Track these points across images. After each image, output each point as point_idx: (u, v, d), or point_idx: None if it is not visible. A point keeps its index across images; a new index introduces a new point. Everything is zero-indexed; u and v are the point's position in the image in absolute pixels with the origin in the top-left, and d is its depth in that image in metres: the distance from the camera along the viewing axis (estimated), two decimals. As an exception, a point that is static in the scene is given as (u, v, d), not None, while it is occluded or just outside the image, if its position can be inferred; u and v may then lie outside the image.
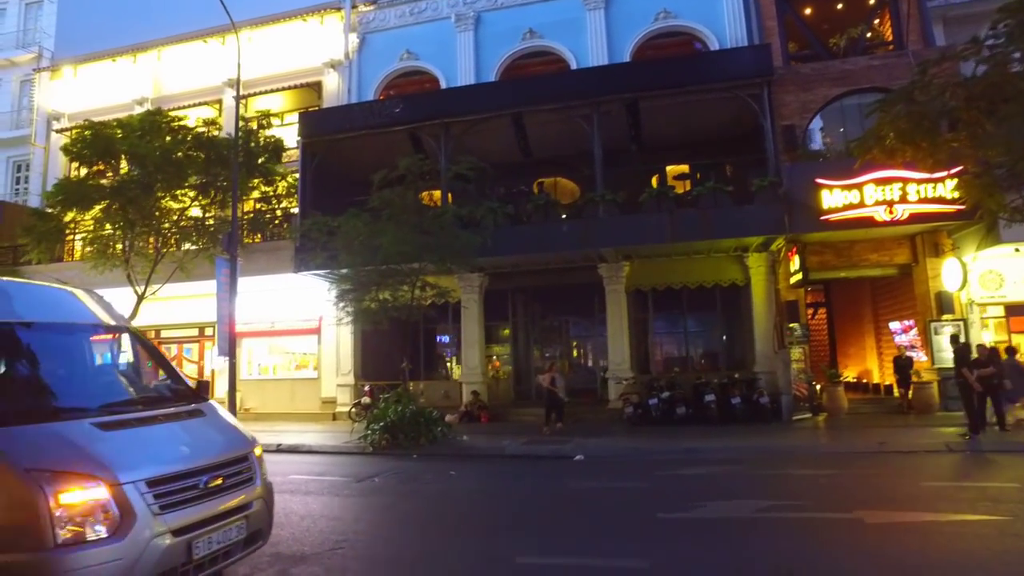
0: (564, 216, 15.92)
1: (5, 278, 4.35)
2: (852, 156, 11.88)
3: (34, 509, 3.00)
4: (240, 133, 15.58)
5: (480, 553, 5.53)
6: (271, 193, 18.10)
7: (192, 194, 16.53)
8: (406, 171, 13.33)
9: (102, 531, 3.16)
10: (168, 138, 15.85)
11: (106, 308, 4.83)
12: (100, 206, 16.33)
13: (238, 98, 15.34)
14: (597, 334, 18.22)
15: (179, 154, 15.61)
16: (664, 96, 15.12)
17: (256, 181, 17.57)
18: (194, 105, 22.22)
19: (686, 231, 14.41)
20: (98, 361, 4.59)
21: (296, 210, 17.77)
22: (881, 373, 18.21)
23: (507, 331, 19.13)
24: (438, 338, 19.77)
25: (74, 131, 17.09)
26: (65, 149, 17.09)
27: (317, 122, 17.58)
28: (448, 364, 19.58)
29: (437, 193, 16.13)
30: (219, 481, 3.82)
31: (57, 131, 24.45)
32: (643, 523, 6.35)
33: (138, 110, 21.69)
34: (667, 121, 15.88)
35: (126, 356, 4.85)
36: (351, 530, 6.39)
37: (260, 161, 16.65)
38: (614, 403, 15.90)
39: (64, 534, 3.03)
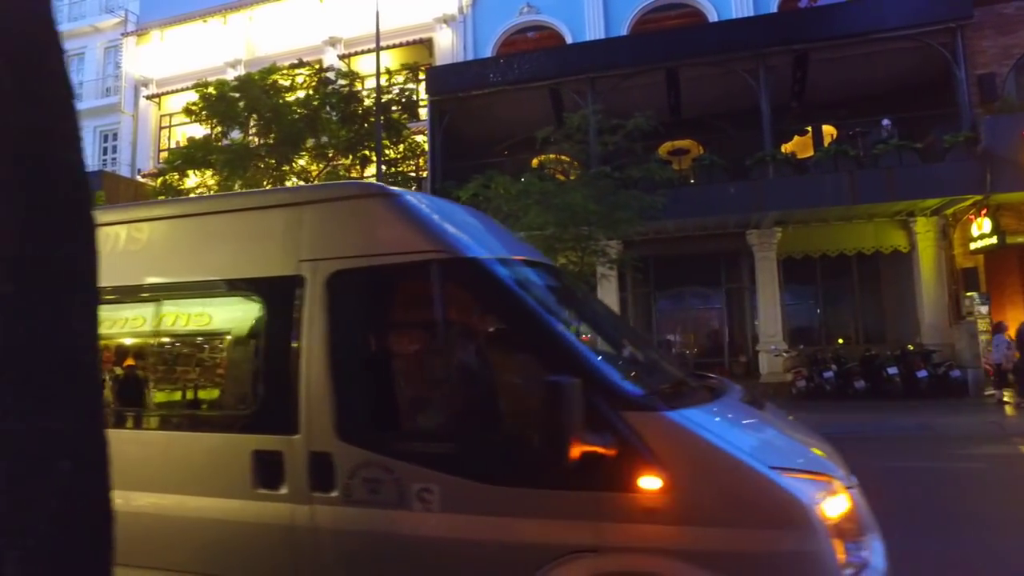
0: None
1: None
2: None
3: (806, 524, 2.19)
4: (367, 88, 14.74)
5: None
6: (397, 155, 17.23)
7: (330, 153, 15.69)
8: (576, 128, 12.39)
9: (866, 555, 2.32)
10: (305, 93, 15.01)
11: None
12: (225, 170, 15.61)
13: (378, 50, 14.40)
14: (737, 304, 17.27)
15: (324, 111, 14.76)
16: (838, 46, 13.91)
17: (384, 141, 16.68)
18: (291, 67, 21.41)
19: (869, 192, 13.32)
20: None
21: (424, 175, 16.94)
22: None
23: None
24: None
25: (196, 91, 16.27)
26: (187, 110, 16.32)
27: (447, 78, 16.56)
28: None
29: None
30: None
31: (147, 98, 23.79)
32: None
33: (231, 73, 20.89)
34: (836, 74, 14.66)
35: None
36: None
37: (396, 116, 15.72)
38: (767, 377, 15.01)
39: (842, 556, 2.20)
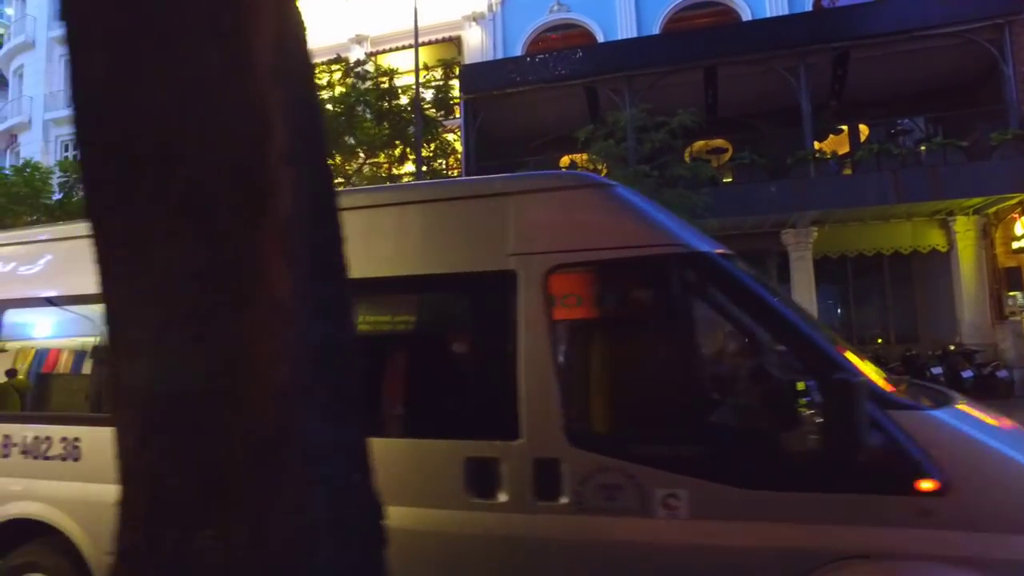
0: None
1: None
2: None
3: None
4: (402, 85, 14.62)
5: None
6: (428, 153, 17.10)
7: (361, 151, 15.57)
8: (620, 126, 12.30)
9: None
10: (342, 91, 14.90)
11: None
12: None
13: (417, 46, 14.29)
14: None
15: (362, 108, 14.64)
16: (880, 44, 13.80)
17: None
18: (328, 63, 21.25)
19: (913, 191, 13.21)
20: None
21: (456, 173, 16.83)
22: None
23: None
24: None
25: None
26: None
27: (482, 76, 16.44)
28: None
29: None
30: None
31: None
32: None
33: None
34: (876, 72, 14.53)
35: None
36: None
37: (431, 114, 15.61)
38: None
39: None
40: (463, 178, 13.20)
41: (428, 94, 16.50)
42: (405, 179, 15.66)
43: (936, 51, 13.82)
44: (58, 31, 26.19)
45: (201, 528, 1.14)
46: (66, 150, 25.71)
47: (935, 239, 15.18)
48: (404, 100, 15.83)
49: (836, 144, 16.61)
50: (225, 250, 1.24)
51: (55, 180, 18.97)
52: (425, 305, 3.00)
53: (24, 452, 3.41)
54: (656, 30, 17.34)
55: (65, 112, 25.67)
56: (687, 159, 14.28)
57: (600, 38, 17.78)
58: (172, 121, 1.27)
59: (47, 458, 3.34)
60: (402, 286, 2.90)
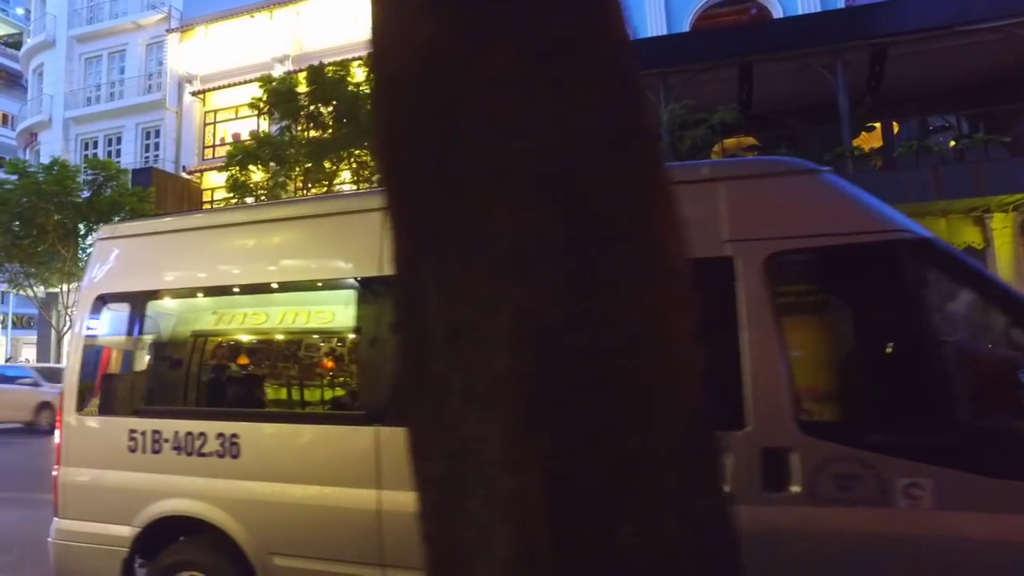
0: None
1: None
2: None
3: None
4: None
5: None
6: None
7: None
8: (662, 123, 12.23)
9: None
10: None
11: None
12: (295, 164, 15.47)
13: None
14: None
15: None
16: (920, 40, 13.69)
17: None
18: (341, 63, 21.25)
19: (954, 188, 13.12)
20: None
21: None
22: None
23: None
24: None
25: (259, 85, 16.15)
26: (252, 104, 16.20)
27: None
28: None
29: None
30: None
31: (192, 94, 23.70)
32: None
33: (279, 69, 20.78)
34: (914, 68, 14.43)
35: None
36: None
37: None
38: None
39: None
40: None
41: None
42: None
43: (977, 46, 13.70)
44: (77, 29, 26.31)
45: (621, 523, 1.08)
46: (86, 148, 25.77)
47: (971, 236, 15.05)
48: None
49: (867, 141, 16.51)
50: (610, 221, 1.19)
51: (82, 178, 18.98)
52: None
53: (176, 448, 3.37)
54: (685, 27, 17.26)
55: (85, 110, 25.73)
56: (725, 157, 14.20)
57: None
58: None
59: (202, 455, 3.30)
60: None
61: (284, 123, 15.66)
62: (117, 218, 18.66)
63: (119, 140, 25.26)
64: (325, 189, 15.80)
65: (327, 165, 14.94)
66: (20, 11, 60.58)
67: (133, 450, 3.49)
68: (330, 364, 3.50)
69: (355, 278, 3.26)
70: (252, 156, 15.90)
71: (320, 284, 3.45)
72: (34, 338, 33.30)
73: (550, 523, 1.11)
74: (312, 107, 15.37)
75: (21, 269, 19.25)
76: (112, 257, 3.97)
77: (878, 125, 16.43)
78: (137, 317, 3.79)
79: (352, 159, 15.25)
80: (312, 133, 15.78)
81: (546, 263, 1.19)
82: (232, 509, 3.17)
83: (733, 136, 16.29)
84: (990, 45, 13.60)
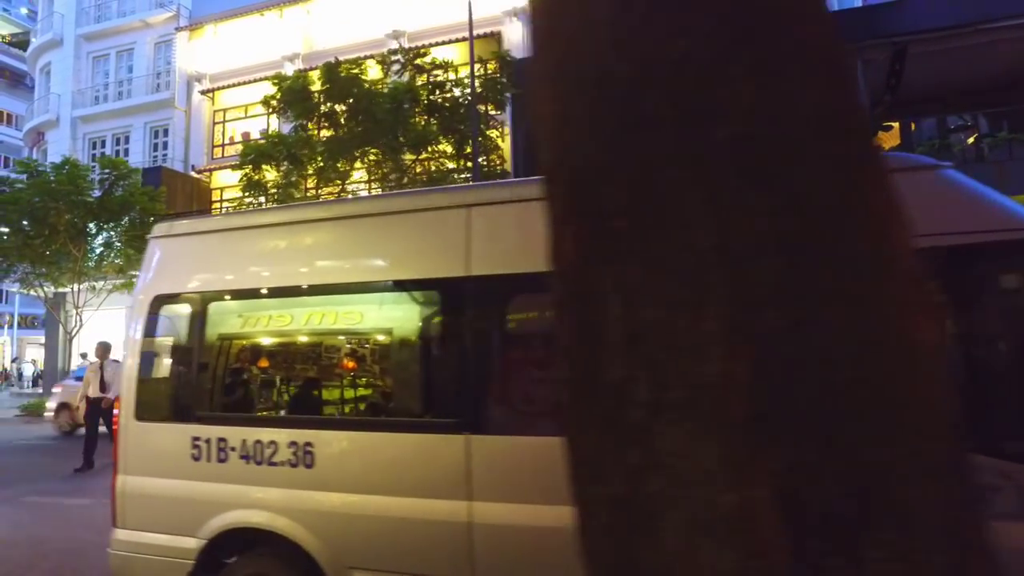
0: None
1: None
2: None
3: None
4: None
5: None
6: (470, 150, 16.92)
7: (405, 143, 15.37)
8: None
9: None
10: (407, 79, 14.80)
11: None
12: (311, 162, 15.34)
13: (471, 37, 14.11)
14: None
15: (409, 105, 14.47)
16: (941, 39, 13.58)
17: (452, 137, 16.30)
18: (390, 52, 21.06)
19: (977, 187, 13.02)
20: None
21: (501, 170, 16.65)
22: None
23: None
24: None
25: (272, 83, 16.02)
26: (265, 102, 16.08)
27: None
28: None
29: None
30: None
31: (202, 92, 23.57)
32: None
33: (289, 67, 20.65)
34: (935, 67, 14.33)
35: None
36: None
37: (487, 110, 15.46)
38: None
39: None
40: None
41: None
42: (458, 178, 15.46)
43: (999, 44, 13.59)
44: (85, 28, 26.17)
45: (866, 547, 0.99)
46: (94, 147, 25.64)
47: (990, 236, 15.00)
48: (451, 95, 15.67)
49: (885, 141, 16.40)
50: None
51: (92, 177, 18.83)
52: None
53: (244, 457, 3.26)
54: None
55: (92, 109, 25.60)
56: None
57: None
58: None
59: (272, 464, 3.19)
60: None
61: (298, 122, 15.51)
62: (126, 218, 18.55)
63: (127, 139, 25.13)
64: (339, 189, 15.67)
65: (340, 166, 14.80)
66: (24, 11, 60.57)
67: (197, 458, 3.37)
68: (415, 369, 3.37)
69: (442, 278, 3.13)
70: (266, 155, 15.76)
71: (400, 285, 3.32)
72: (40, 338, 33.17)
73: (784, 544, 1.01)
74: (327, 105, 15.23)
75: (32, 269, 19.11)
76: (169, 257, 3.85)
77: (896, 124, 16.33)
78: (198, 319, 3.66)
79: (367, 158, 15.13)
80: (326, 132, 15.63)
81: (759, 260, 1.08)
82: (306, 521, 3.06)
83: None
84: (1013, 43, 13.49)
